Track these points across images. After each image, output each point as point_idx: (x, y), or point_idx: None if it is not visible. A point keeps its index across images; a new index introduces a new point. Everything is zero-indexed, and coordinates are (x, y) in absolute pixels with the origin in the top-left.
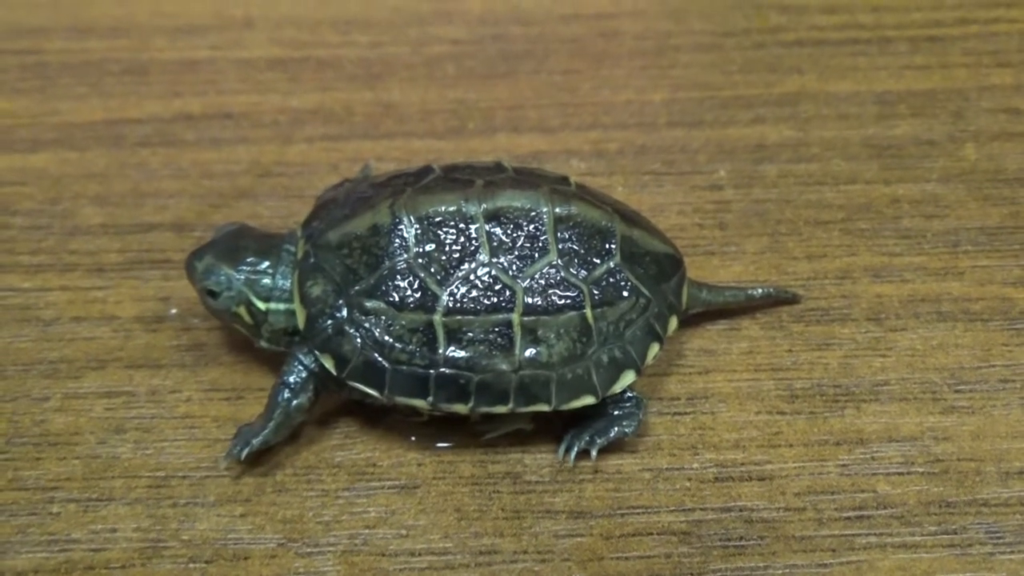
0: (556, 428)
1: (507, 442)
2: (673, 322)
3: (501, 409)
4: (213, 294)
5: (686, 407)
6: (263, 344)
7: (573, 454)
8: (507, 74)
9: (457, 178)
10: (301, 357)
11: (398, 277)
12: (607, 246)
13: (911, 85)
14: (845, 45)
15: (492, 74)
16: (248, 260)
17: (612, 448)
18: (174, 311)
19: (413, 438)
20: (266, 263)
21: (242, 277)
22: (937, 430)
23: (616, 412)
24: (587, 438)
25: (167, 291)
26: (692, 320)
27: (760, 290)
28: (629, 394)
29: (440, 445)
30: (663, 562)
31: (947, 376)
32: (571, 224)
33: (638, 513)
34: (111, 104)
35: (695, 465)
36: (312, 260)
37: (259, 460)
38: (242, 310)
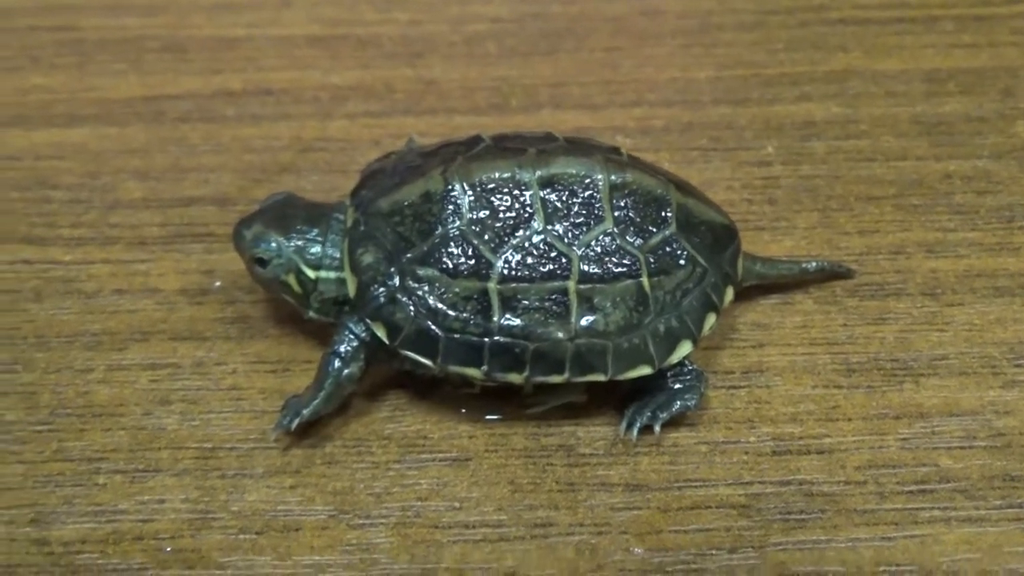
0: (609, 401)
1: (560, 415)
2: (729, 292)
3: (556, 379)
4: (262, 262)
5: (741, 381)
6: (311, 314)
7: (636, 429)
8: (549, 52)
9: (508, 147)
10: (352, 326)
11: (451, 244)
12: (663, 214)
13: (959, 63)
14: (890, 24)
15: (534, 52)
16: (298, 228)
17: (668, 421)
18: (218, 284)
19: (464, 410)
20: (315, 231)
21: (292, 245)
22: (998, 404)
23: (677, 385)
24: (649, 413)
25: (210, 264)
26: (745, 294)
27: (814, 264)
28: (689, 367)
29: (491, 417)
30: (723, 535)
31: (1006, 351)
32: (626, 192)
33: (696, 486)
34: (150, 80)
35: (752, 439)
36: (362, 228)
37: (308, 432)
38: (291, 279)
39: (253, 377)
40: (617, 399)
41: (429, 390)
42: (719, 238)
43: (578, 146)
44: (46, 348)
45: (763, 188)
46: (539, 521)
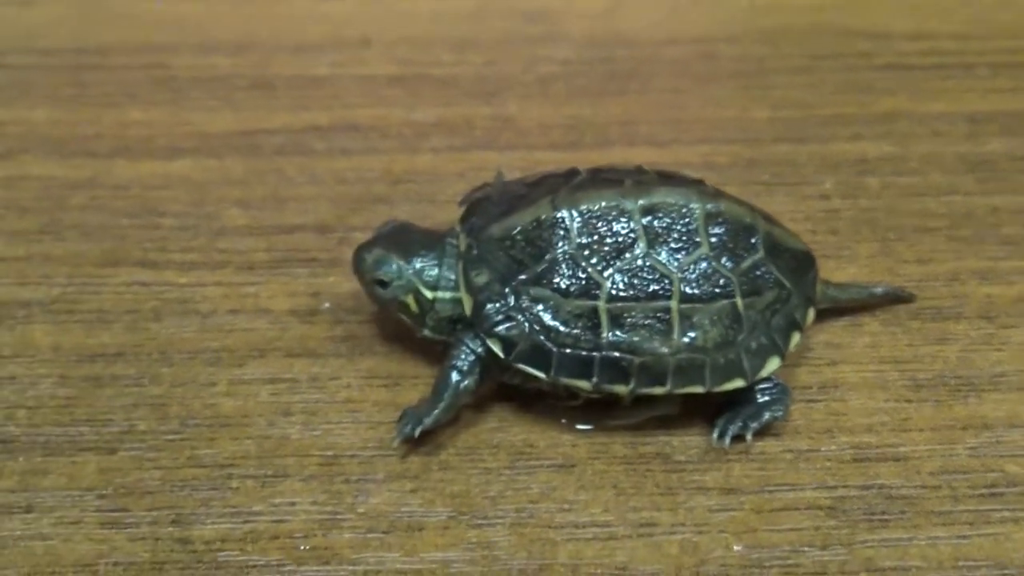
0: (699, 413)
1: (653, 426)
2: (811, 313)
3: (659, 390)
4: (383, 284)
5: (818, 395)
6: (426, 333)
7: (728, 438)
8: (617, 92)
9: (606, 178)
10: (469, 342)
11: (563, 266)
12: (752, 241)
13: (998, 106)
14: (931, 69)
15: (602, 92)
16: (416, 252)
17: (758, 431)
18: (327, 305)
19: (564, 421)
20: (432, 255)
21: (411, 267)
22: None
23: (763, 398)
24: (740, 423)
25: (316, 287)
26: (819, 316)
27: (880, 288)
28: (775, 381)
29: (584, 428)
30: (813, 534)
31: None
32: (719, 220)
33: (784, 490)
34: (242, 116)
35: (833, 447)
36: (475, 252)
37: (422, 441)
38: (410, 299)
39: (366, 391)
40: (706, 412)
41: (531, 403)
42: (800, 263)
43: (670, 178)
44: (169, 364)
45: (825, 220)
46: (643, 521)
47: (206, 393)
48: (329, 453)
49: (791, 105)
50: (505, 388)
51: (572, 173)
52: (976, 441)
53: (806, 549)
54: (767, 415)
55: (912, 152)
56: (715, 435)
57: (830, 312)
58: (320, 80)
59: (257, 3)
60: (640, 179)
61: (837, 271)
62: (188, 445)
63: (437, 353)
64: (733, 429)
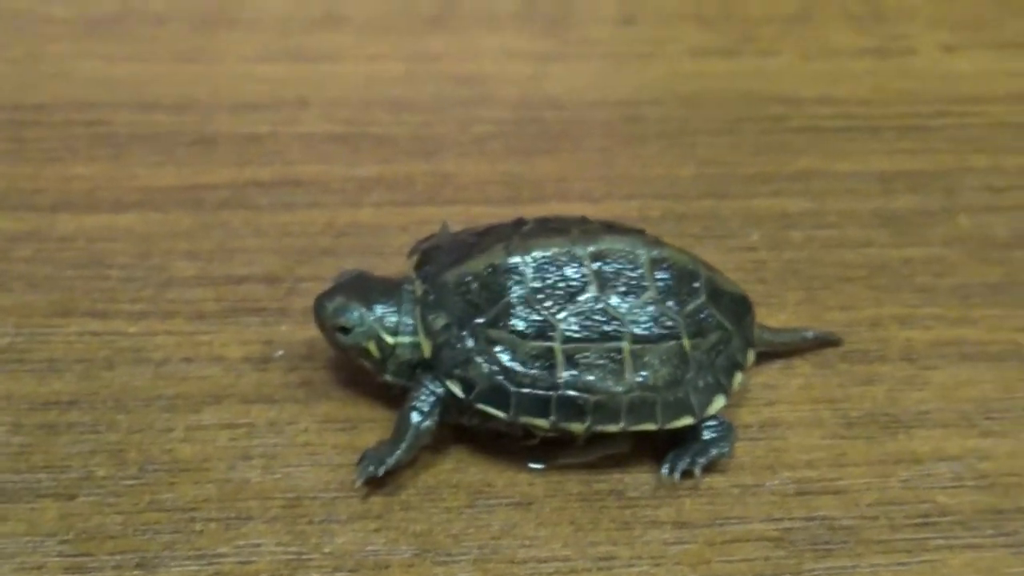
0: (647, 452)
1: (606, 464)
2: (751, 355)
3: (613, 427)
4: (345, 330)
5: (759, 433)
6: (387, 377)
7: (678, 473)
8: (549, 151)
9: (554, 227)
10: (429, 384)
11: (518, 309)
12: (694, 285)
13: (903, 166)
14: (841, 132)
15: (535, 150)
16: (375, 299)
17: (706, 466)
18: (280, 352)
19: (530, 464)
20: (391, 301)
21: (372, 314)
22: (979, 451)
23: (709, 436)
24: (689, 459)
25: (268, 335)
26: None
27: (810, 333)
28: (720, 419)
29: (538, 466)
30: (763, 564)
31: (978, 406)
32: (664, 265)
33: (734, 523)
34: (185, 171)
35: (776, 482)
36: (432, 297)
37: (384, 482)
38: (371, 345)
39: (324, 435)
40: (655, 450)
41: (488, 443)
42: (739, 307)
43: (612, 227)
44: (125, 411)
45: (753, 270)
46: (602, 555)
47: (164, 439)
48: (291, 495)
49: (714, 163)
50: (461, 430)
51: (519, 223)
52: (908, 474)
53: None
54: (714, 451)
55: (829, 208)
56: (665, 470)
57: (765, 355)
58: (261, 137)
59: (195, 64)
60: (586, 228)
61: (768, 317)
62: (148, 490)
63: (393, 398)
64: (682, 465)
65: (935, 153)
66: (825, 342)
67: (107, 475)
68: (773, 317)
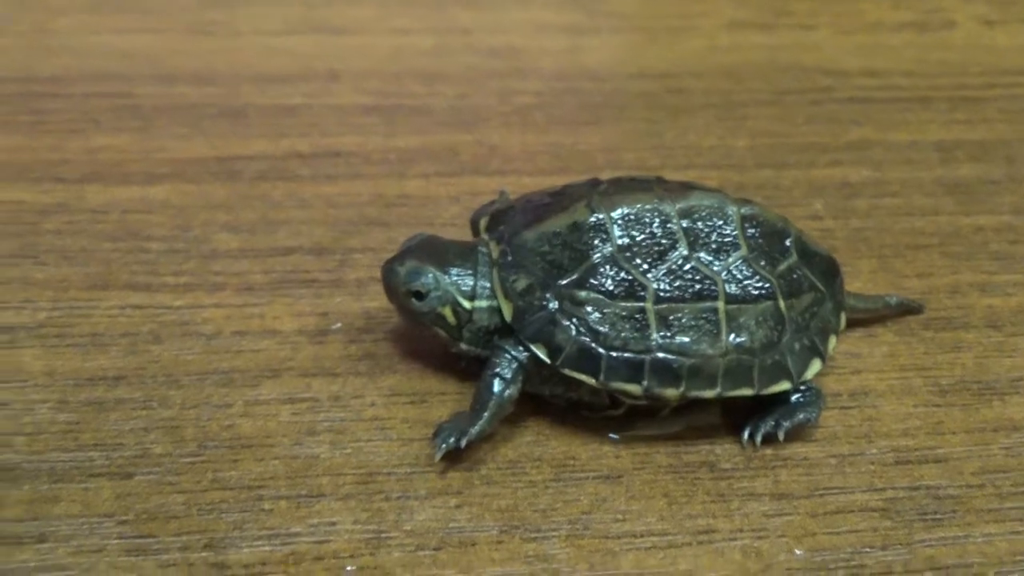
0: (735, 421)
1: (693, 435)
2: (843, 318)
3: (709, 393)
4: (419, 295)
5: (849, 402)
6: (462, 346)
7: (759, 436)
8: (593, 122)
9: (633, 185)
10: (510, 349)
11: (605, 268)
12: (785, 244)
13: (960, 136)
14: (891, 103)
15: (579, 121)
16: (450, 261)
17: (792, 438)
18: (338, 325)
19: (611, 436)
20: (466, 264)
21: (447, 277)
22: None
23: (797, 400)
24: (772, 423)
25: (322, 307)
26: None
27: (895, 299)
28: (807, 384)
29: (618, 437)
30: (871, 535)
31: None
32: (754, 223)
33: (834, 493)
34: (217, 143)
35: (873, 451)
36: (510, 258)
37: (461, 457)
38: (447, 310)
39: (393, 408)
40: (741, 419)
41: (568, 415)
42: (828, 269)
43: (694, 185)
44: (178, 386)
45: (822, 239)
46: (701, 528)
47: (222, 415)
48: (364, 471)
49: (766, 134)
50: (539, 401)
51: (595, 182)
52: (1009, 441)
53: (867, 550)
54: (801, 415)
55: (891, 177)
56: (746, 435)
57: (847, 323)
58: (293, 109)
59: (213, 38)
60: (667, 186)
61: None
62: (210, 467)
63: (462, 369)
64: (764, 428)
65: (991, 123)
66: (907, 309)
67: (164, 452)
68: (848, 285)
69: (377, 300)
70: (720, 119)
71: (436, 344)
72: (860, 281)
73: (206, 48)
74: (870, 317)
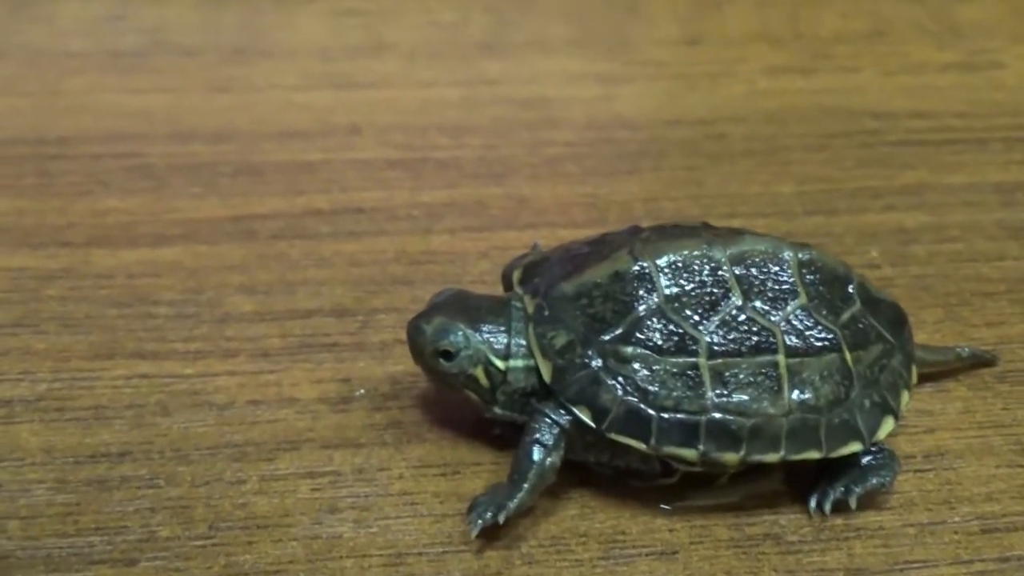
0: (799, 488)
1: (754, 504)
2: (914, 371)
3: (772, 457)
4: (448, 355)
5: (924, 464)
6: (496, 410)
7: (829, 505)
8: (630, 171)
9: (678, 232)
10: (551, 413)
11: (654, 321)
12: (847, 290)
13: (1020, 177)
14: (945, 144)
15: (615, 171)
16: (481, 318)
17: (864, 506)
18: (361, 391)
19: (664, 506)
20: (499, 320)
21: (479, 335)
22: None
23: (868, 464)
24: (842, 489)
25: (344, 372)
26: None
27: (966, 351)
28: (878, 446)
29: (670, 508)
30: None
31: None
32: (813, 269)
33: (917, 568)
34: (232, 202)
35: (956, 518)
36: (547, 312)
37: (497, 535)
38: (479, 371)
39: (423, 481)
40: (807, 486)
41: (614, 486)
42: (895, 318)
43: (744, 231)
44: (187, 462)
45: (881, 287)
46: None
47: (235, 492)
48: (392, 551)
49: (813, 180)
50: (582, 470)
51: (636, 230)
52: None
53: None
54: (873, 480)
55: (949, 221)
56: (813, 503)
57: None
58: (313, 165)
59: (230, 94)
60: (715, 232)
61: None
62: (222, 551)
63: (497, 437)
64: (834, 494)
65: None
66: (980, 361)
67: (172, 535)
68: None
69: (403, 363)
70: (764, 165)
71: (468, 410)
72: (926, 332)
73: (223, 105)
74: (940, 371)
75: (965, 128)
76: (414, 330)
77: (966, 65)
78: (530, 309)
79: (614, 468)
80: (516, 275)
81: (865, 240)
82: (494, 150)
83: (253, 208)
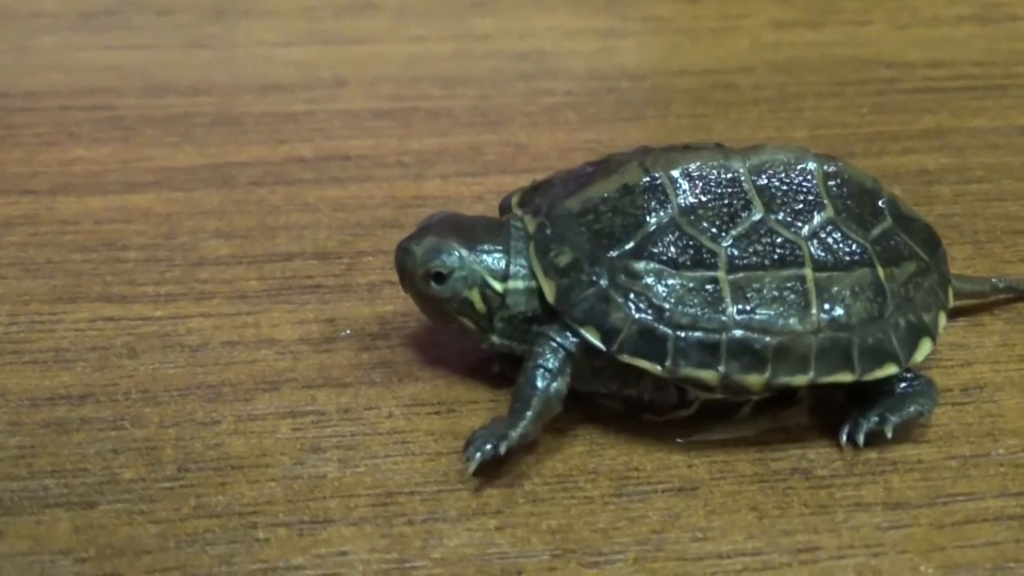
0: (829, 421)
1: (779, 439)
2: (951, 293)
3: (800, 379)
4: (440, 277)
5: (962, 397)
6: (493, 339)
7: (862, 435)
8: (634, 118)
9: (690, 149)
10: (555, 336)
11: (666, 234)
12: (878, 205)
13: None
14: (963, 91)
15: (618, 118)
16: (476, 237)
17: (900, 439)
18: (347, 332)
19: (680, 440)
20: (496, 240)
21: (474, 256)
22: None
23: (904, 391)
24: (876, 419)
25: (328, 314)
26: None
27: (1003, 282)
28: (914, 373)
29: (686, 442)
30: (1015, 547)
31: None
32: (840, 181)
33: (961, 501)
34: (209, 151)
35: (1000, 451)
36: (549, 231)
37: (497, 471)
38: (474, 294)
39: (415, 420)
40: (837, 418)
41: (625, 421)
42: (928, 238)
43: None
44: (155, 403)
45: None
46: (802, 546)
47: (207, 433)
48: (381, 491)
49: (829, 125)
50: (588, 405)
51: (645, 150)
52: None
53: (1012, 565)
54: (911, 409)
55: (974, 162)
56: (844, 434)
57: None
58: (295, 115)
59: (209, 50)
60: (730, 148)
61: None
62: (192, 493)
63: (495, 376)
64: (868, 424)
65: None
66: (1017, 294)
67: (136, 477)
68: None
69: (393, 303)
70: (775, 111)
71: (464, 348)
72: (956, 269)
73: (200, 61)
74: (974, 303)
75: (984, 75)
76: (402, 252)
77: (981, 18)
78: (531, 228)
79: (624, 399)
80: (515, 199)
81: (887, 182)
82: (488, 99)
83: (231, 156)
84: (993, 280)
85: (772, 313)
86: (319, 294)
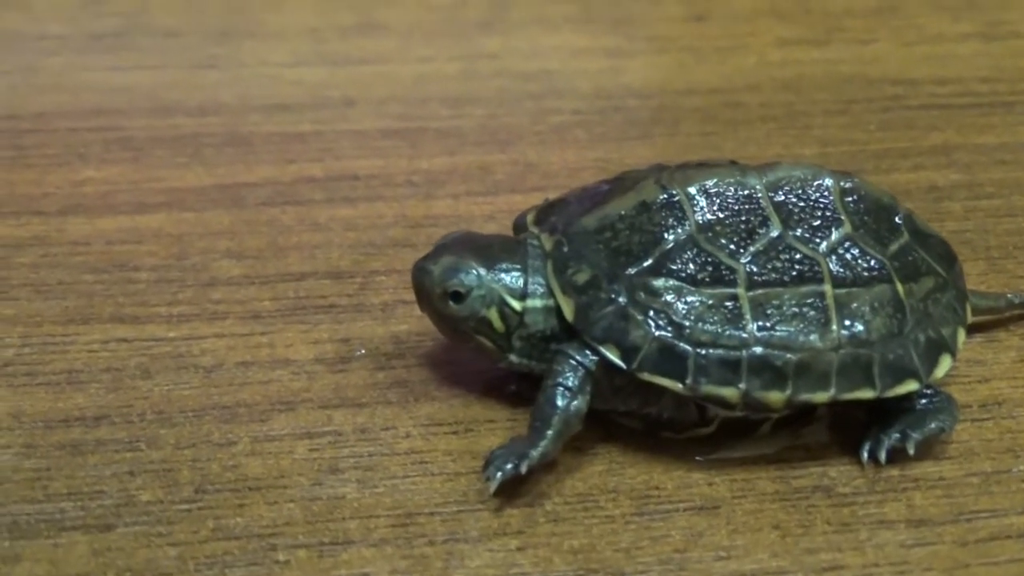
0: (850, 438)
1: (800, 456)
2: (969, 309)
3: (821, 396)
4: (458, 297)
5: (982, 413)
6: (512, 358)
7: (884, 452)
8: (642, 136)
9: (706, 163)
10: (574, 354)
11: (684, 251)
12: (894, 221)
13: None
14: (969, 108)
15: (626, 137)
16: (494, 256)
17: (921, 456)
18: (362, 351)
19: (700, 458)
20: (514, 259)
21: (492, 274)
22: None
23: (924, 408)
24: (897, 435)
25: (343, 333)
26: None
27: (1018, 297)
28: (934, 388)
29: (705, 460)
30: None
31: None
32: (856, 197)
33: (984, 518)
34: (218, 171)
35: (1022, 467)
36: (566, 249)
37: (518, 491)
38: (492, 313)
39: (432, 440)
40: (857, 434)
41: (644, 439)
42: (945, 253)
43: (776, 160)
44: (170, 424)
45: None
46: (826, 565)
47: (224, 454)
48: (400, 512)
49: (837, 142)
50: (607, 425)
51: (660, 167)
52: None
53: None
54: (932, 425)
55: (983, 179)
56: (865, 452)
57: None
58: (304, 135)
59: (216, 71)
60: (745, 165)
61: None
62: (210, 514)
63: (512, 394)
64: (889, 441)
65: None
66: None
67: (153, 499)
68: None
69: (407, 323)
70: (783, 128)
71: (481, 366)
72: (970, 284)
73: (208, 81)
74: (990, 319)
75: (991, 92)
76: (419, 271)
77: (985, 35)
78: (548, 246)
79: (644, 417)
80: (530, 217)
81: (898, 198)
82: (497, 119)
83: (241, 177)
84: (1009, 296)
85: (792, 330)
86: (333, 314)
